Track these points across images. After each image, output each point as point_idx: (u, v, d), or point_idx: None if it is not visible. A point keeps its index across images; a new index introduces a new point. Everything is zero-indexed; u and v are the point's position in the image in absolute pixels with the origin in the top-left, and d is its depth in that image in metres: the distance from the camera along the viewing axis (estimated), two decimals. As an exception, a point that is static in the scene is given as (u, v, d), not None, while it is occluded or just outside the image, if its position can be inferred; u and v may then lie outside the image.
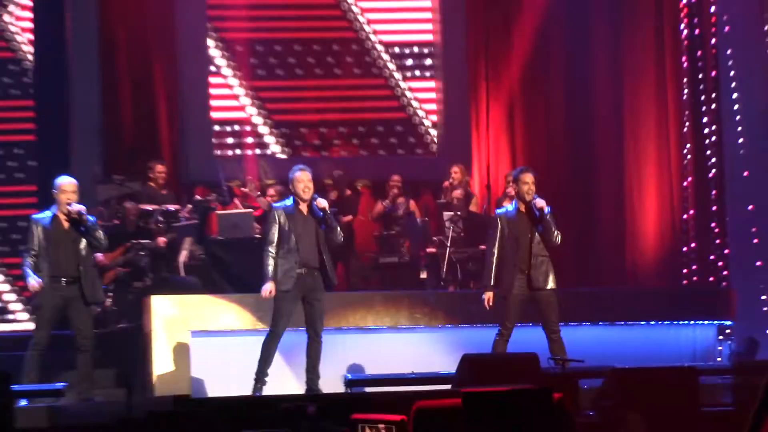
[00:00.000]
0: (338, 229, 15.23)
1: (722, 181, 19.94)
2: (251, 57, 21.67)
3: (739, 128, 19.94)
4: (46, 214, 15.09)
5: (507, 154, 21.10)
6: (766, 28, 20.00)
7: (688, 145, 20.26)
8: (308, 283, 14.99)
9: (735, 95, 19.97)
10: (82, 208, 14.92)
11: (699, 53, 20.30)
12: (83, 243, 14.93)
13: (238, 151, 21.31)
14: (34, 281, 14.80)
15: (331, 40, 22.07)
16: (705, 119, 20.07)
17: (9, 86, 20.26)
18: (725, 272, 19.70)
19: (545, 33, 20.93)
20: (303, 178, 14.93)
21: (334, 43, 21.97)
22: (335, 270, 15.51)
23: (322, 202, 14.97)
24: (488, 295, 15.53)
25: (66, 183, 15.08)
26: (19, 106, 20.25)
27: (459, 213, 18.78)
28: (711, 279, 19.85)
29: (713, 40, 20.17)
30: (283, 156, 21.05)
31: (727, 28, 20.06)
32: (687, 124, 20.29)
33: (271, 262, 14.88)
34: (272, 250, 14.92)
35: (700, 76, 20.18)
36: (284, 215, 14.98)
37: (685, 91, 20.34)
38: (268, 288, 14.82)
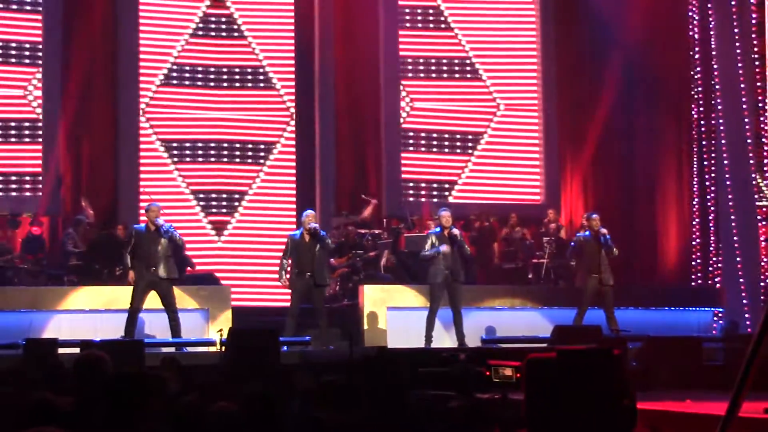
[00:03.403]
0: (465, 246, 15.63)
1: (718, 223, 19.57)
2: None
3: (728, 188, 19.56)
4: (297, 233, 15.38)
5: (582, 202, 20.86)
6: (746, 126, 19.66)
7: (696, 199, 19.92)
8: (450, 279, 15.22)
9: (726, 169, 19.59)
10: (317, 226, 15.24)
11: (704, 146, 19.97)
12: (317, 248, 15.11)
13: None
14: (282, 280, 15.23)
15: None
16: (707, 183, 19.75)
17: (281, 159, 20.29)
18: (718, 279, 19.34)
19: (608, 130, 20.56)
20: (446, 215, 15.43)
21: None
22: (463, 271, 15.64)
23: (455, 230, 15.32)
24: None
25: (308, 213, 15.42)
26: (285, 169, 20.30)
27: (553, 237, 18.67)
28: (709, 282, 19.48)
29: (713, 142, 19.79)
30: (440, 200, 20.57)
31: (722, 130, 19.68)
32: (695, 186, 19.96)
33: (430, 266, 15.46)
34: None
35: (705, 162, 19.84)
36: (435, 237, 15.35)
37: (695, 167, 20.01)
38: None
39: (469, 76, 21.04)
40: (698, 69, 20.03)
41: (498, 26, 21.25)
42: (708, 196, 19.80)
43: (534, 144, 21.06)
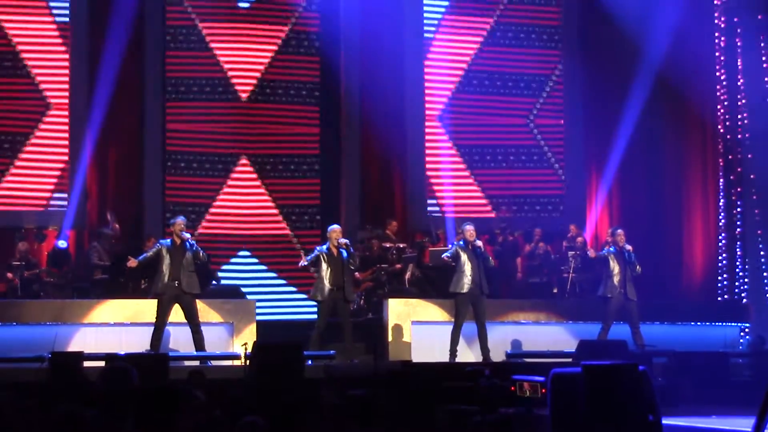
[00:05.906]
0: (489, 258, 15.67)
1: (744, 238, 19.47)
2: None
3: (755, 202, 19.48)
4: (324, 247, 15.38)
5: (607, 218, 20.82)
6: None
7: (722, 214, 19.83)
8: (475, 292, 15.24)
9: (752, 184, 19.51)
10: (346, 241, 15.27)
11: (730, 160, 19.87)
12: (346, 264, 15.16)
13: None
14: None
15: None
16: (733, 197, 19.66)
17: (305, 172, 20.29)
18: (744, 294, 19.25)
19: (633, 145, 20.51)
20: (469, 229, 15.43)
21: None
22: (488, 284, 15.60)
23: (478, 243, 15.31)
24: None
25: (334, 228, 15.46)
26: (311, 185, 20.31)
27: (578, 252, 18.60)
28: (736, 297, 19.39)
29: (739, 156, 19.67)
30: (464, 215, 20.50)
31: (748, 144, 19.61)
32: (722, 201, 19.88)
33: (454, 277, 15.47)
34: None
35: (731, 177, 19.76)
36: (460, 250, 15.30)
37: (721, 182, 19.92)
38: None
39: (493, 90, 21.06)
40: (724, 83, 19.98)
41: (522, 39, 21.26)
42: (734, 211, 19.73)
43: (558, 158, 21.09)
